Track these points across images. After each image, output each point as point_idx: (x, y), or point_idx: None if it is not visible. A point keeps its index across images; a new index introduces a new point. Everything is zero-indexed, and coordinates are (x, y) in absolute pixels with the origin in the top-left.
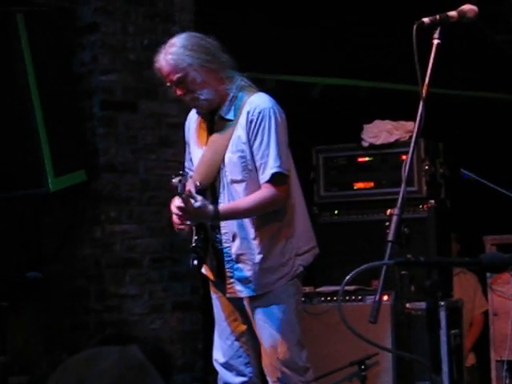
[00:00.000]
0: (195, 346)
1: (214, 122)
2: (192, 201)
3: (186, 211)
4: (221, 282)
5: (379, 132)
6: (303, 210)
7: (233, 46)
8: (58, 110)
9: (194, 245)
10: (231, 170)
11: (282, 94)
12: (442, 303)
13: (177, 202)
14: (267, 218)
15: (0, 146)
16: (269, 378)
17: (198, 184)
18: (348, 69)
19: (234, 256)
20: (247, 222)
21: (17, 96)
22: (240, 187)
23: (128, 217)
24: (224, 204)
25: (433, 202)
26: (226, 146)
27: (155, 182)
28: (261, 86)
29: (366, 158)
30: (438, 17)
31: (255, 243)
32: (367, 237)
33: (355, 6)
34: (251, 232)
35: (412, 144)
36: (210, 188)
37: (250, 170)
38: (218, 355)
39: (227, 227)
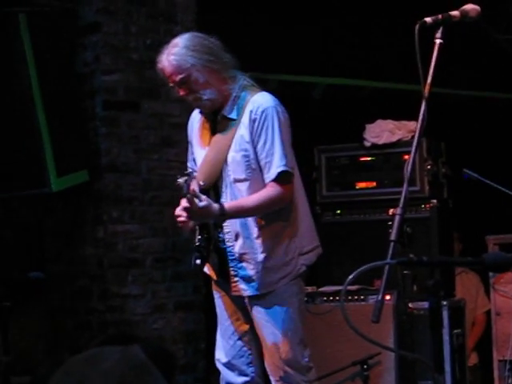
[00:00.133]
0: (197, 346)
1: (217, 122)
2: (196, 200)
3: (191, 211)
4: (224, 281)
5: (381, 132)
6: (306, 210)
7: (235, 46)
8: (61, 110)
9: (197, 244)
10: (234, 169)
11: (284, 93)
12: (445, 303)
13: (183, 203)
14: (271, 217)
15: (2, 146)
16: (271, 378)
17: (202, 184)
18: (350, 68)
19: (237, 255)
20: (250, 221)
21: (19, 96)
22: (243, 186)
23: (130, 217)
24: (229, 202)
25: (435, 201)
26: (229, 146)
27: (157, 182)
28: (263, 86)
29: (368, 158)
30: (440, 16)
31: (258, 242)
32: (369, 236)
33: (357, 5)
34: (254, 231)
35: (414, 144)
36: (213, 187)
37: (254, 168)
38: (221, 355)
39: (230, 226)
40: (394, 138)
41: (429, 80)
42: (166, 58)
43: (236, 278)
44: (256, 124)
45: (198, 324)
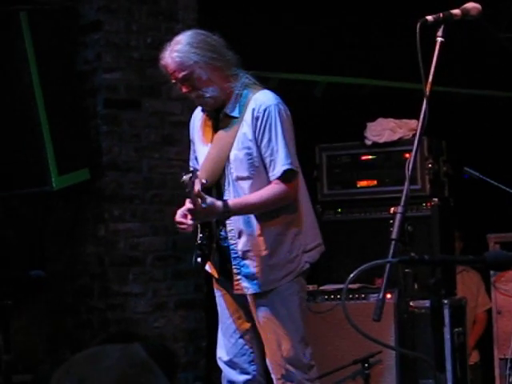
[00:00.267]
0: (199, 344)
1: (219, 120)
2: (199, 200)
3: (195, 212)
4: (226, 279)
5: (382, 130)
6: (309, 208)
7: (236, 45)
8: (62, 109)
9: (199, 242)
10: (237, 166)
11: (284, 92)
12: (446, 301)
13: (187, 205)
14: (274, 214)
15: (4, 144)
16: (273, 376)
17: (204, 181)
18: (351, 67)
19: (240, 253)
20: (253, 218)
21: (20, 94)
22: (246, 184)
23: (131, 215)
24: (233, 199)
25: (436, 200)
26: (232, 143)
27: (159, 181)
28: (264, 85)
29: (370, 157)
30: (441, 15)
31: (261, 240)
32: (370, 235)
33: (358, 4)
34: (257, 228)
35: (416, 142)
36: (215, 185)
37: (257, 166)
38: (222, 353)
39: (233, 224)
40: (395, 137)
41: (430, 78)
42: (169, 54)
43: (238, 276)
44: (259, 122)
45: (199, 322)
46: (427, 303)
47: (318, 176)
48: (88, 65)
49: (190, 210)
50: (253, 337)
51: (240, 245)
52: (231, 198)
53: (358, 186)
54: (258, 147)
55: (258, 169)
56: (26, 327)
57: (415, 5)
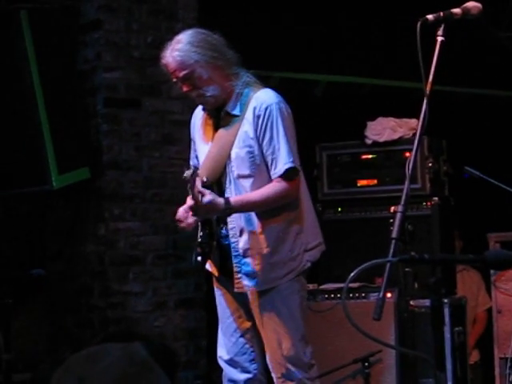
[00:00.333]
0: (199, 344)
1: (221, 118)
2: (200, 196)
3: (196, 208)
4: (226, 277)
5: (383, 129)
6: (310, 206)
7: (236, 44)
8: (62, 108)
9: (199, 240)
10: (238, 165)
11: (285, 91)
12: (446, 300)
13: (188, 202)
14: (276, 212)
15: (4, 143)
16: (273, 375)
17: (205, 179)
18: (351, 66)
19: (241, 251)
20: (255, 216)
21: (20, 93)
22: (247, 182)
23: (132, 214)
24: (235, 196)
25: (436, 199)
26: (233, 142)
27: (159, 180)
28: (264, 84)
29: (370, 156)
30: (441, 14)
31: (263, 238)
32: (371, 234)
33: (358, 3)
34: (259, 226)
35: (416, 141)
36: (216, 183)
37: (258, 164)
38: (222, 352)
39: (235, 221)
40: (396, 136)
41: (430, 78)
42: (170, 53)
43: (239, 275)
44: (260, 120)
45: (199, 321)
46: (427, 302)
47: (318, 175)
48: (88, 64)
49: (191, 207)
50: (253, 336)
51: (241, 243)
52: (232, 196)
53: (359, 185)
54: (260, 145)
55: (260, 167)
56: (27, 326)
57: (415, 4)
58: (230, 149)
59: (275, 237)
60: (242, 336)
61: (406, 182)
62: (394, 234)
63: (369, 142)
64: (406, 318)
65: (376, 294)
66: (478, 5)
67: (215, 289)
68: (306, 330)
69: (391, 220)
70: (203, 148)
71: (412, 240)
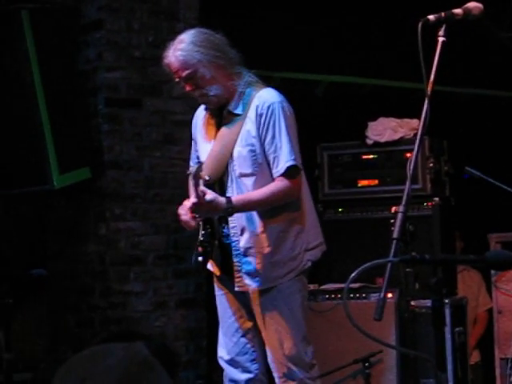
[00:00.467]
0: (199, 344)
1: (223, 117)
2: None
3: (199, 206)
4: (227, 277)
5: (384, 129)
6: (311, 206)
7: (237, 44)
8: (63, 107)
9: (201, 239)
10: (240, 163)
11: (286, 91)
12: (447, 301)
13: (191, 199)
14: (277, 211)
15: (5, 143)
16: (275, 374)
17: (207, 178)
18: (352, 66)
19: (242, 250)
20: (256, 215)
21: (22, 93)
22: (249, 181)
23: (132, 214)
24: (236, 195)
25: (437, 199)
26: (235, 141)
27: (160, 180)
28: (266, 84)
29: (371, 156)
30: (443, 14)
31: (264, 237)
32: (372, 234)
33: (359, 3)
34: (260, 226)
35: (417, 142)
36: (218, 182)
37: (260, 163)
38: (223, 352)
39: (235, 221)
40: (397, 136)
41: (431, 78)
42: (173, 53)
43: (240, 274)
44: (263, 119)
45: (199, 321)
46: (428, 303)
47: (319, 175)
48: (89, 64)
49: (193, 204)
50: (254, 335)
51: (242, 242)
52: (234, 195)
53: (359, 185)
54: (262, 144)
55: (262, 165)
56: (27, 326)
57: (417, 4)
58: (233, 148)
59: (276, 236)
60: (243, 336)
61: (407, 183)
62: (395, 235)
63: (370, 142)
64: (406, 318)
65: (377, 294)
66: (480, 5)
67: (216, 289)
68: (307, 330)
69: (392, 220)
70: (205, 147)
71: (413, 240)
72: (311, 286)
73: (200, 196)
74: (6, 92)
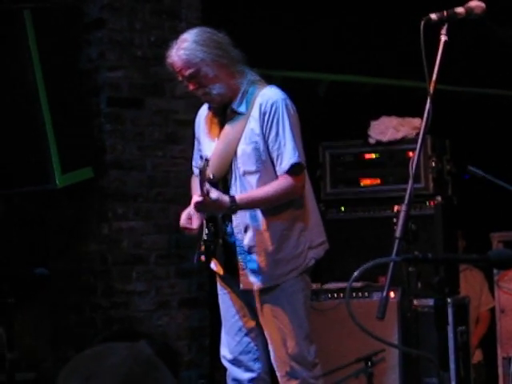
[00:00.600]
0: (202, 343)
1: (226, 116)
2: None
3: (203, 203)
4: (231, 276)
5: (386, 129)
6: (314, 205)
7: (239, 43)
8: (65, 107)
9: (205, 238)
10: (244, 161)
11: (288, 90)
12: (449, 300)
13: (195, 198)
14: (281, 209)
15: (7, 142)
16: (277, 373)
17: (211, 176)
18: (354, 65)
19: (246, 248)
20: (259, 213)
21: (24, 92)
22: (253, 178)
23: (135, 213)
24: (240, 194)
25: (439, 198)
26: (239, 139)
27: (162, 179)
28: (267, 83)
29: (373, 155)
30: (445, 13)
31: (268, 235)
32: (374, 233)
33: (361, 2)
34: (264, 223)
35: (419, 141)
36: (222, 180)
37: (264, 161)
38: (225, 352)
39: (239, 219)
40: (399, 135)
41: (434, 77)
42: (176, 52)
43: (244, 272)
44: (266, 116)
45: (202, 321)
46: (431, 302)
47: (321, 174)
48: (91, 63)
49: (198, 202)
50: (257, 335)
51: (246, 240)
52: (238, 193)
53: (362, 184)
54: (266, 142)
55: (266, 163)
56: (29, 325)
57: (419, 3)
58: (237, 146)
59: (280, 234)
60: (246, 335)
61: (410, 182)
62: (398, 234)
63: (372, 141)
64: (409, 317)
65: (379, 293)
66: (482, 4)
67: (219, 288)
68: (310, 329)
69: (394, 219)
70: (209, 146)
71: (415, 239)
72: (314, 285)
73: (204, 194)
74: (8, 91)
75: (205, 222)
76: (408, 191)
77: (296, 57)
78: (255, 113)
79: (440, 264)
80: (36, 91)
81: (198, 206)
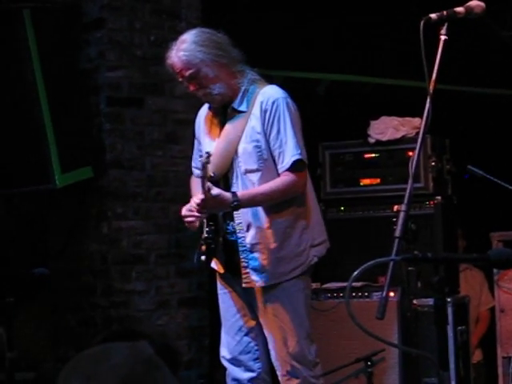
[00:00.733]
0: (202, 342)
1: (227, 115)
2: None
3: (205, 200)
4: (231, 275)
5: (386, 128)
6: (315, 203)
7: (239, 43)
8: (65, 106)
9: (205, 236)
10: (245, 160)
11: (288, 90)
12: (449, 299)
13: (197, 196)
14: (283, 207)
15: (7, 142)
16: (278, 372)
17: (212, 175)
18: (354, 65)
19: (248, 246)
20: (262, 211)
21: (23, 92)
22: (255, 177)
23: (134, 213)
24: (242, 191)
25: (439, 198)
26: (240, 137)
27: (162, 178)
28: (268, 82)
29: (373, 155)
30: (445, 13)
31: (270, 232)
32: (374, 233)
33: (361, 1)
34: (266, 221)
35: (419, 140)
36: (223, 179)
37: (265, 159)
38: (225, 352)
39: (241, 216)
40: (399, 135)
41: (433, 76)
42: (176, 53)
43: (247, 270)
44: (267, 114)
45: (202, 320)
46: (430, 301)
47: (321, 174)
48: (91, 63)
49: (202, 200)
50: (257, 334)
51: (248, 238)
52: (239, 190)
53: (361, 184)
54: (267, 140)
55: (267, 161)
56: (29, 325)
57: (419, 2)
58: (238, 144)
59: (282, 231)
60: (246, 334)
61: (409, 181)
62: (397, 233)
63: (372, 140)
64: (409, 317)
65: (379, 293)
66: (481, 3)
67: (219, 287)
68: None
69: (394, 219)
70: (209, 146)
71: (415, 239)
72: (314, 285)
73: (206, 191)
74: (7, 91)
75: (205, 220)
76: (408, 191)
77: (296, 56)
78: (256, 111)
79: (440, 263)
80: (36, 91)
81: (201, 204)
